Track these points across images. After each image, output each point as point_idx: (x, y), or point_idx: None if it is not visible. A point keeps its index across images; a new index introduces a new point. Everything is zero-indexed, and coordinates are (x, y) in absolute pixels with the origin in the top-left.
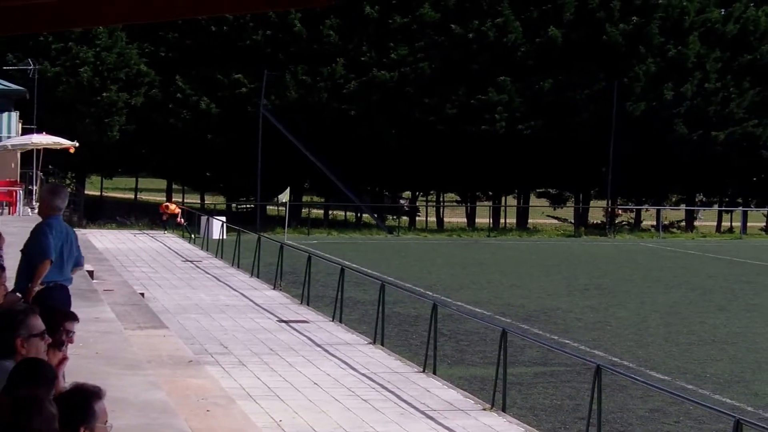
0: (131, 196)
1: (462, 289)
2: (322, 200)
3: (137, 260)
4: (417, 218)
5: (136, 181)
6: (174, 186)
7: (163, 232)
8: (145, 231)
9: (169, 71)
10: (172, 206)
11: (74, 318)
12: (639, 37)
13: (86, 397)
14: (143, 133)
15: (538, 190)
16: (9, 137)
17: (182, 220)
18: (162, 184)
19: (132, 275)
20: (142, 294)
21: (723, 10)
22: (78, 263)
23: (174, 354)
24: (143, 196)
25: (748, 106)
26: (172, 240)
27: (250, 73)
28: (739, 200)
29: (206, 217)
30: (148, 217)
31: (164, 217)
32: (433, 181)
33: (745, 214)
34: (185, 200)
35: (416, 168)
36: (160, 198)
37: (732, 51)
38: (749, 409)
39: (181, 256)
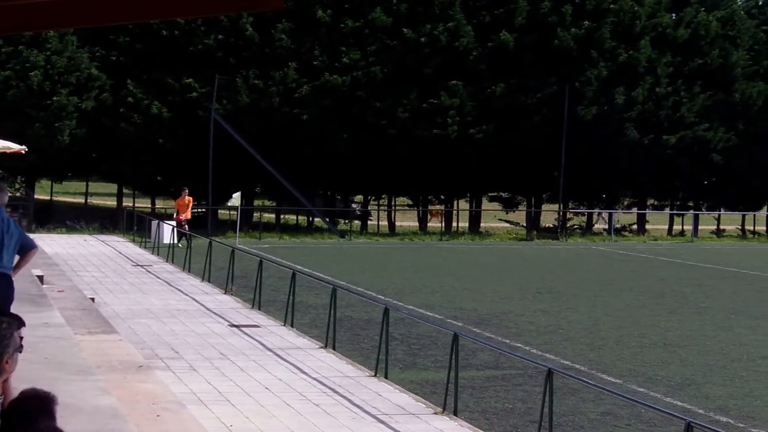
0: (81, 200)
1: (414, 292)
2: (274, 204)
3: (87, 265)
4: (369, 222)
5: (87, 186)
6: (125, 190)
7: (178, 244)
8: (95, 235)
9: (120, 75)
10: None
11: (21, 323)
12: (590, 41)
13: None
14: (94, 137)
15: (490, 194)
16: None
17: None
18: (113, 188)
19: (82, 280)
20: (93, 299)
21: (674, 14)
22: (27, 246)
23: (124, 359)
24: (93, 201)
25: (699, 111)
26: (122, 244)
27: (201, 78)
28: (690, 204)
29: (157, 221)
30: (98, 221)
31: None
32: (385, 185)
33: (696, 218)
34: (135, 205)
35: (368, 172)
36: (111, 202)
37: (683, 55)
38: (700, 411)
39: (131, 260)
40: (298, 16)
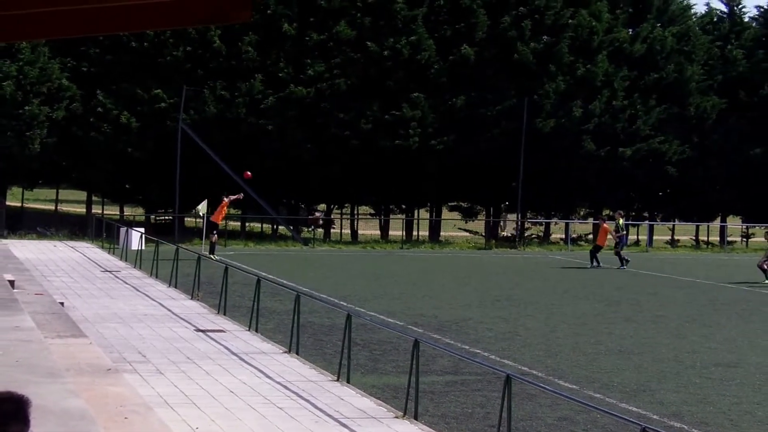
0: (52, 207)
1: (375, 299)
2: (239, 212)
3: (57, 270)
4: (332, 230)
5: (57, 193)
6: (94, 198)
7: (212, 257)
8: (65, 241)
9: (90, 86)
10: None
11: None
12: (549, 55)
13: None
14: (64, 145)
15: (450, 204)
16: None
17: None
18: (82, 195)
19: (52, 285)
20: (62, 303)
21: (631, 30)
22: None
23: (93, 362)
24: (63, 208)
25: (654, 124)
26: (91, 250)
27: (169, 89)
28: (646, 214)
29: (125, 228)
30: (68, 228)
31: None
32: (348, 194)
33: (651, 228)
34: (105, 212)
35: (331, 181)
36: (80, 209)
37: (639, 70)
38: (655, 417)
39: (100, 266)
40: (265, 29)
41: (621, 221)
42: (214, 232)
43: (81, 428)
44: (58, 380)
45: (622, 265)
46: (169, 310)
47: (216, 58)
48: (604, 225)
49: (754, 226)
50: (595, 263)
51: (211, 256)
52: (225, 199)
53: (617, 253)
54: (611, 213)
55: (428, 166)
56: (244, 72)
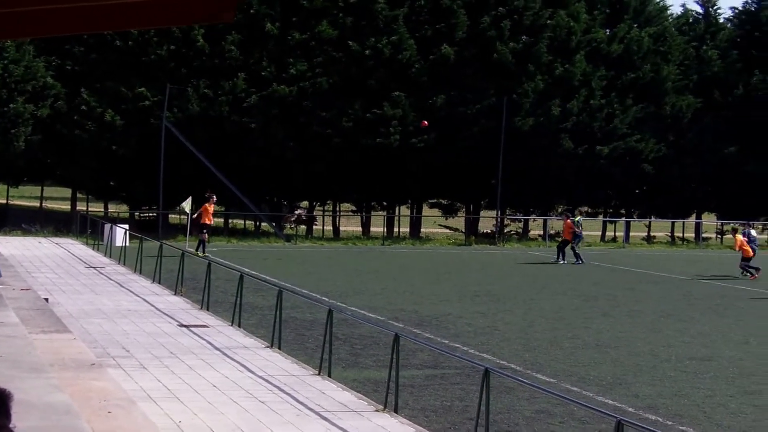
0: (37, 204)
1: (357, 295)
2: (223, 209)
3: (42, 266)
4: (314, 227)
5: (42, 190)
6: (78, 195)
7: (199, 254)
8: (49, 238)
9: (74, 84)
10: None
11: None
12: (528, 55)
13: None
14: (49, 143)
15: (430, 201)
16: None
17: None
18: (67, 192)
19: (37, 281)
20: (47, 299)
21: (608, 30)
22: None
23: (77, 357)
24: (48, 204)
25: (631, 122)
26: (76, 247)
27: (153, 87)
28: (622, 211)
29: (109, 225)
30: (53, 224)
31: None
32: (330, 191)
33: (627, 225)
34: (89, 209)
35: (314, 179)
36: (65, 206)
37: (616, 69)
38: (630, 410)
39: (84, 262)
40: (248, 28)
41: (578, 218)
42: (204, 231)
43: (65, 422)
44: (42, 375)
45: (577, 261)
46: (153, 306)
47: (199, 56)
48: (567, 221)
49: (729, 223)
50: (561, 259)
51: (198, 254)
52: (206, 204)
53: (572, 248)
54: (570, 208)
55: (409, 164)
56: (227, 71)
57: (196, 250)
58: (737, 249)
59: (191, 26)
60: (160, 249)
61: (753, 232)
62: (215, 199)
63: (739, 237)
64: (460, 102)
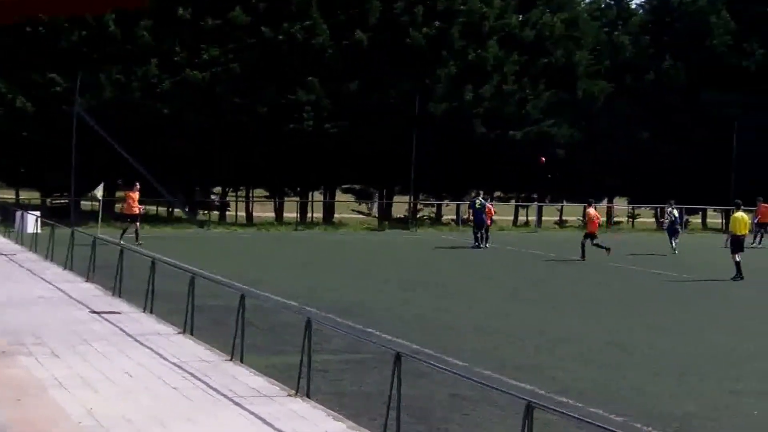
0: None
1: (270, 280)
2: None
3: None
4: (227, 213)
5: None
6: None
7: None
8: None
9: None
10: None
11: None
12: (441, 41)
13: None
14: None
15: (344, 186)
16: None
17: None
18: None
19: None
20: None
21: (521, 16)
22: None
23: None
24: None
25: (544, 108)
26: None
27: (65, 73)
28: (535, 196)
29: (20, 212)
30: None
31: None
32: (244, 176)
33: (540, 209)
34: (0, 196)
35: (227, 164)
36: None
37: (529, 55)
38: (542, 392)
39: None
40: (160, 13)
41: (478, 201)
42: (130, 220)
43: None
44: None
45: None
46: (65, 293)
47: (111, 43)
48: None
49: (640, 207)
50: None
51: (140, 242)
52: (130, 192)
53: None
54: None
55: (322, 150)
56: (139, 57)
57: (120, 237)
58: (590, 224)
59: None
60: (72, 236)
61: (675, 212)
62: (138, 186)
63: (591, 211)
64: (373, 87)
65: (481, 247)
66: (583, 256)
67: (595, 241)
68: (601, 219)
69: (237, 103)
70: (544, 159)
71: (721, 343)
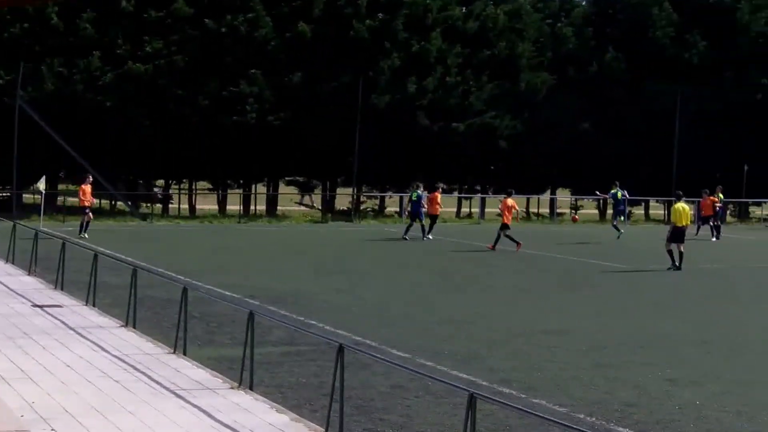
0: None
1: (212, 273)
2: (78, 188)
3: None
4: (170, 205)
5: None
6: None
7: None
8: None
9: None
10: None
11: None
12: (384, 33)
13: None
14: None
15: (287, 178)
16: None
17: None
18: None
19: None
20: None
21: (464, 8)
22: None
23: None
24: None
25: (487, 99)
26: None
27: (7, 65)
28: (478, 187)
29: None
30: None
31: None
32: (186, 169)
33: (483, 201)
34: None
35: (170, 157)
36: None
37: (472, 47)
38: (484, 383)
39: None
40: (103, 5)
41: (415, 193)
42: (87, 211)
43: None
44: None
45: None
46: (6, 286)
47: (54, 35)
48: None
49: (583, 198)
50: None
51: (85, 235)
52: (83, 185)
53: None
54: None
55: (265, 142)
56: (81, 49)
57: (83, 231)
58: (505, 215)
59: (45, 4)
60: (13, 229)
61: (620, 193)
62: (91, 179)
63: (509, 201)
64: (316, 79)
65: (423, 239)
66: (496, 243)
67: (507, 232)
68: (518, 210)
69: (180, 95)
70: (577, 218)
71: (668, 330)
